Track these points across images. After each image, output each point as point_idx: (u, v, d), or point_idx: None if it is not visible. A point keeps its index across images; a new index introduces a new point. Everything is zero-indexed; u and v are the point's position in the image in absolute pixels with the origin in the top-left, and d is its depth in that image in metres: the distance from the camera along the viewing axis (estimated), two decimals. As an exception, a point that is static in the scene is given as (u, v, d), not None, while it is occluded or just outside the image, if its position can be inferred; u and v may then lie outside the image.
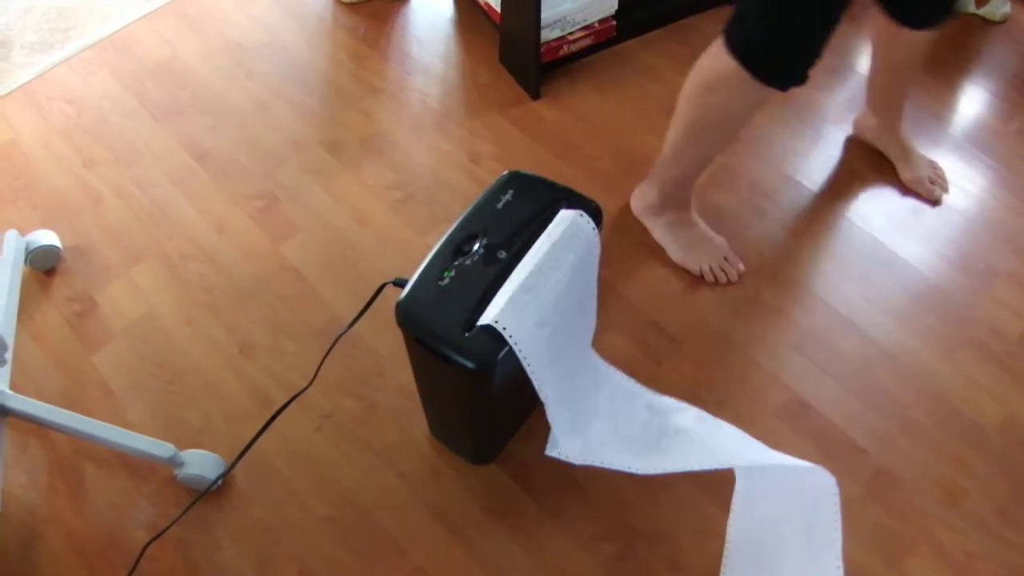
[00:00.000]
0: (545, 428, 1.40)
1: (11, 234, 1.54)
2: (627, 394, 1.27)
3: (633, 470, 1.14)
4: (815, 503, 1.13)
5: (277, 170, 1.76)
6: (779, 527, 1.18)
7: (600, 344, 1.34)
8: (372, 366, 1.48)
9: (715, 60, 1.24)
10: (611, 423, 1.19)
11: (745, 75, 1.20)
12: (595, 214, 1.09)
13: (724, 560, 1.21)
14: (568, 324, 1.08)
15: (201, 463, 1.32)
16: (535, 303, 1.00)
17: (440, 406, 1.28)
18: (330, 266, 1.61)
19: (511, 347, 0.98)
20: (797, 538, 1.15)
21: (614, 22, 1.89)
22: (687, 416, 1.23)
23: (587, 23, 1.85)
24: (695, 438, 1.18)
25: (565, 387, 1.12)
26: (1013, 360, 1.49)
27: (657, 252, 1.62)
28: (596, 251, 1.08)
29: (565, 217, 1.05)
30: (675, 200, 1.55)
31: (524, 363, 1.00)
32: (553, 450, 1.14)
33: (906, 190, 1.70)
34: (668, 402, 1.28)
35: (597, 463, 1.14)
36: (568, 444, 1.14)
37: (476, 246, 1.06)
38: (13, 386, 1.39)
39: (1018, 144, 1.79)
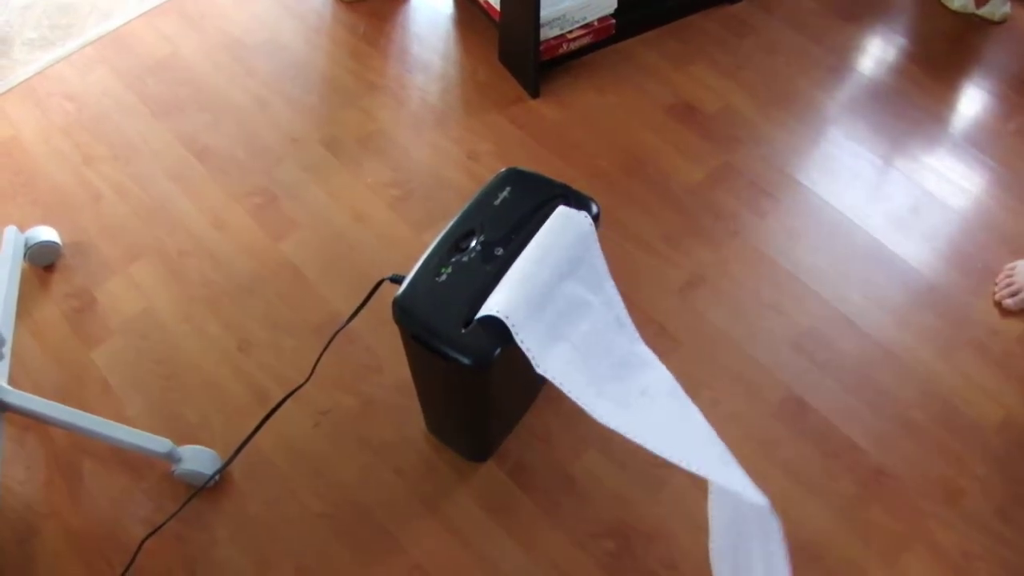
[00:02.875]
0: (542, 427, 1.41)
1: (10, 230, 1.54)
2: (613, 327, 1.13)
3: (591, 409, 1.01)
4: (764, 533, 1.09)
5: (276, 167, 1.76)
6: (746, 539, 1.15)
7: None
8: (369, 362, 1.48)
9: None
10: (581, 353, 1.06)
11: None
12: (593, 212, 1.09)
13: (712, 562, 1.18)
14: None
15: (198, 459, 1.32)
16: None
17: (437, 403, 1.28)
18: (328, 263, 1.61)
19: (508, 344, 0.97)
20: (758, 556, 1.12)
21: (613, 20, 1.89)
22: (660, 379, 1.12)
23: (586, 21, 1.85)
24: (659, 408, 1.09)
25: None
26: (1011, 360, 1.49)
27: (656, 250, 1.62)
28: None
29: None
30: None
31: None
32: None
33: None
34: (648, 355, 1.15)
35: (557, 380, 1.00)
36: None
37: (473, 243, 1.06)
38: (12, 382, 1.40)
39: (1016, 144, 1.79)
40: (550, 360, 1.01)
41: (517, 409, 1.39)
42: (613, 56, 1.96)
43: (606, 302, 1.10)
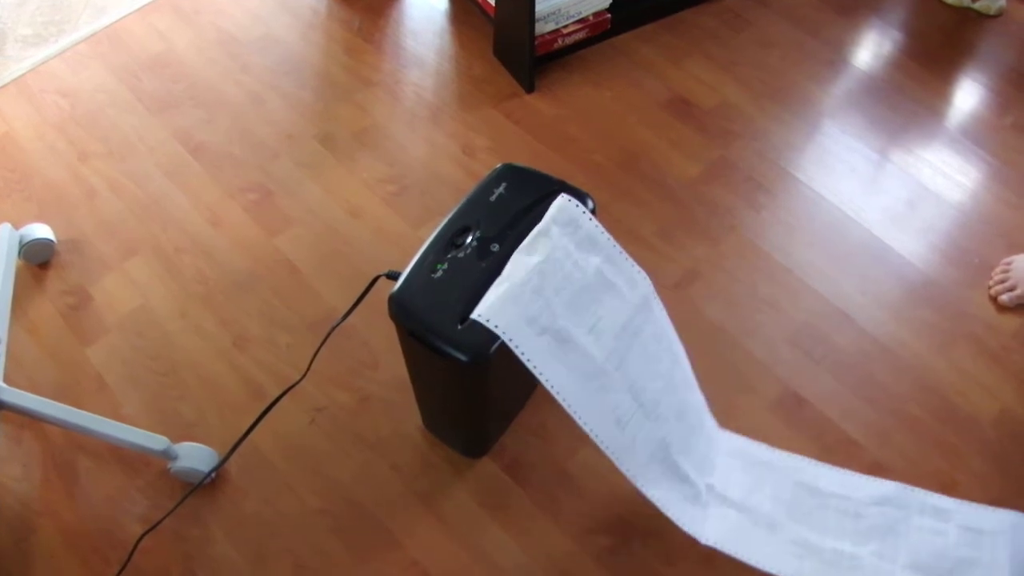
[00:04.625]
0: (538, 423, 1.41)
1: (5, 227, 1.54)
2: (577, 251, 1.05)
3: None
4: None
5: (271, 163, 1.76)
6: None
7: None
8: (365, 359, 1.48)
9: None
10: (532, 287, 0.99)
11: None
12: (589, 207, 1.09)
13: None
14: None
15: (195, 456, 1.31)
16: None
17: (433, 399, 1.28)
18: (324, 259, 1.61)
19: (504, 341, 0.97)
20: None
21: (609, 15, 1.89)
22: (615, 310, 1.08)
23: (581, 16, 1.85)
24: (596, 351, 1.04)
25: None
26: (1007, 354, 1.49)
27: (651, 245, 1.62)
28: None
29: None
30: None
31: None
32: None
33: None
34: (620, 272, 1.10)
35: (492, 323, 0.94)
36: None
37: (469, 239, 1.06)
38: (7, 379, 1.39)
39: (1012, 138, 1.80)
40: (489, 300, 0.96)
41: (514, 405, 1.39)
42: (609, 51, 1.96)
43: (568, 224, 1.04)
